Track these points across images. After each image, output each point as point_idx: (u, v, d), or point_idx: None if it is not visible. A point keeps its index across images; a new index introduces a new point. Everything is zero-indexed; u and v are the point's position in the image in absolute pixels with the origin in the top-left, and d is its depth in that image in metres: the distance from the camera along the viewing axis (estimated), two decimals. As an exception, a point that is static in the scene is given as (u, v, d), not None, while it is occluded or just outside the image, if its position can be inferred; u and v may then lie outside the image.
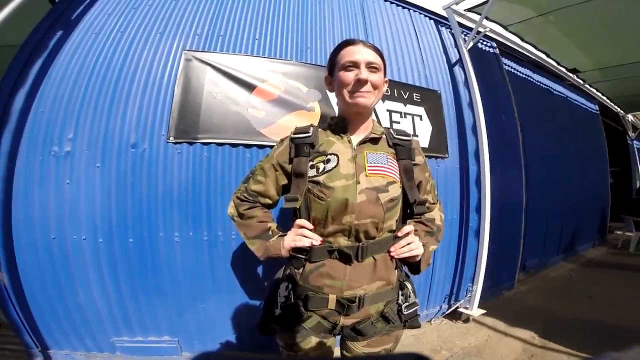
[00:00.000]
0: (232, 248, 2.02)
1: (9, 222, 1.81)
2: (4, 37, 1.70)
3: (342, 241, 0.96)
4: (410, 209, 1.03)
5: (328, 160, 0.97)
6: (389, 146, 1.05)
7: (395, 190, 0.98)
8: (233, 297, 2.06)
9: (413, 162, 1.05)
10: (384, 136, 1.06)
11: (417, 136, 2.53)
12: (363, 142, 1.01)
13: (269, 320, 1.02)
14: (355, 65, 0.94)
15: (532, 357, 2.22)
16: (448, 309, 2.82)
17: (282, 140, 1.09)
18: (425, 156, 2.41)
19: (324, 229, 0.96)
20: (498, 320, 2.72)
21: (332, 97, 2.24)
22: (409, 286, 1.05)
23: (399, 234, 0.99)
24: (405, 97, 2.60)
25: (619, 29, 3.14)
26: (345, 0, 2.79)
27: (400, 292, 1.03)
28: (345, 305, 0.95)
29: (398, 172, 1.01)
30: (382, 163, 0.99)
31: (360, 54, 0.94)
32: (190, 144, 1.96)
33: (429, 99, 2.74)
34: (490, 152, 2.79)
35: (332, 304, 0.96)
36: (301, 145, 1.00)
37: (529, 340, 2.42)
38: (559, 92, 4.87)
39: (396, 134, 1.07)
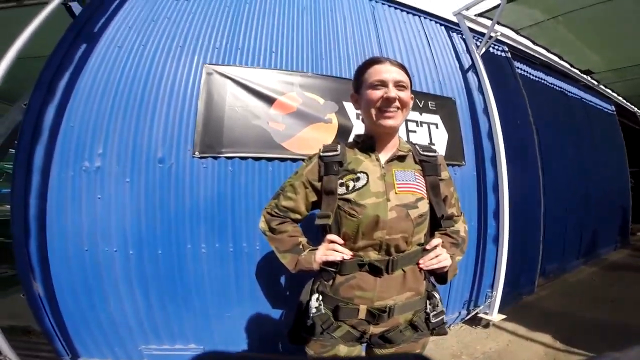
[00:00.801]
0: (256, 259, 2.10)
1: (43, 234, 1.92)
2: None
3: (373, 255, 1.00)
4: (437, 223, 1.07)
5: (358, 179, 1.01)
6: (416, 163, 1.09)
7: (424, 206, 1.02)
8: (257, 306, 2.13)
9: (439, 177, 1.10)
10: (410, 153, 1.11)
11: (433, 144, 2.60)
12: (391, 160, 1.06)
13: (299, 329, 1.08)
14: (383, 84, 0.98)
15: None
16: (467, 315, 2.85)
17: (310, 158, 1.13)
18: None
19: (354, 244, 1.01)
20: (518, 325, 2.74)
21: (349, 108, 2.33)
22: (437, 296, 1.10)
23: (428, 247, 1.02)
24: (421, 105, 2.67)
25: (629, 30, 3.15)
26: (357, 9, 2.88)
27: (428, 301, 1.07)
28: (376, 315, 0.99)
29: (425, 188, 1.06)
30: (410, 180, 1.04)
31: (388, 72, 0.98)
32: (215, 158, 2.06)
33: (444, 106, 2.80)
34: (506, 157, 2.83)
35: (362, 314, 1.00)
36: (330, 164, 1.04)
37: (551, 344, 2.44)
38: (574, 93, 4.89)
39: (422, 151, 1.12)
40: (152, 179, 2.00)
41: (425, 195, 1.04)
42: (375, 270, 0.99)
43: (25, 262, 1.91)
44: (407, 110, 1.03)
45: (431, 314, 1.05)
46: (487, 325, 2.76)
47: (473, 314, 2.84)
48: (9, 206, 1.95)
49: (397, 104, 0.98)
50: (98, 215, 1.96)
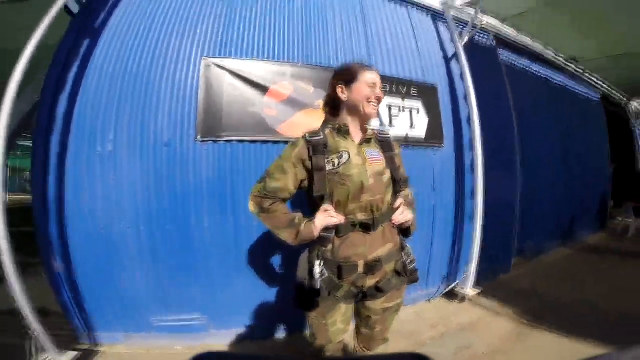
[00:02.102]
0: (253, 231, 2.46)
1: (62, 215, 2.25)
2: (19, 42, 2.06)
3: (360, 216, 1.33)
4: (398, 187, 1.44)
5: (341, 156, 1.32)
6: (376, 143, 1.47)
7: (388, 173, 1.39)
8: (254, 276, 2.50)
9: (393, 152, 1.47)
10: (374, 136, 1.47)
11: (414, 127, 3.02)
12: (361, 142, 1.40)
13: (308, 294, 1.33)
14: (375, 86, 1.36)
15: (520, 335, 2.60)
16: (446, 289, 3.27)
17: (294, 143, 1.39)
18: (422, 146, 3.01)
19: (345, 209, 1.32)
20: (492, 300, 3.16)
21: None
22: (408, 245, 1.48)
23: (395, 206, 1.38)
24: (404, 92, 3.03)
25: (625, 16, 3.47)
26: (346, 1, 3.17)
27: (402, 251, 1.43)
28: (371, 266, 1.32)
29: (385, 160, 1.42)
30: (376, 155, 1.40)
31: (377, 78, 1.38)
32: (215, 141, 2.40)
33: (425, 93, 3.17)
34: (485, 141, 3.21)
35: (361, 268, 1.32)
36: (317, 146, 1.33)
37: (518, 319, 2.81)
38: (559, 81, 5.29)
39: (380, 134, 1.50)
40: (159, 161, 2.34)
41: (386, 166, 1.43)
42: (365, 227, 1.32)
43: (47, 243, 2.24)
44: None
45: (407, 262, 1.42)
46: (463, 299, 3.17)
47: (450, 288, 3.26)
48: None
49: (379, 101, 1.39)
50: (112, 195, 2.29)
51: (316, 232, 1.31)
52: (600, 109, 6.27)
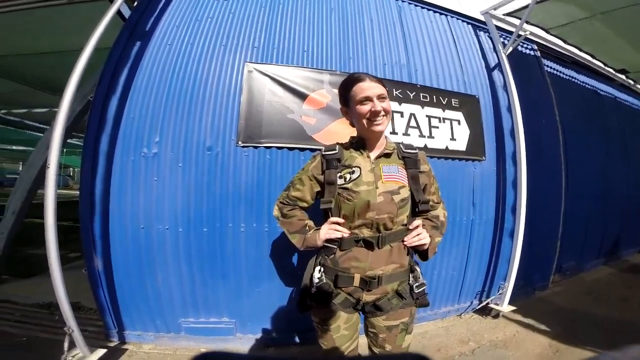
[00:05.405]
0: (287, 239, 2.41)
1: (106, 213, 2.30)
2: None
3: (366, 232, 1.30)
4: (417, 207, 1.35)
5: (353, 172, 1.31)
6: (399, 158, 1.39)
7: (405, 193, 1.31)
8: (284, 283, 2.47)
9: (419, 170, 1.39)
10: (395, 151, 1.40)
11: (455, 139, 2.88)
12: (379, 156, 1.35)
13: (305, 298, 1.39)
14: (368, 99, 1.25)
15: (557, 352, 2.45)
16: (479, 305, 3.12)
17: (314, 156, 1.43)
18: (462, 159, 2.87)
19: (352, 223, 1.30)
20: (527, 317, 2.98)
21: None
22: (418, 269, 1.39)
23: (410, 227, 1.32)
24: (444, 102, 2.91)
25: None
26: (384, 9, 3.12)
27: (411, 274, 1.37)
28: (367, 282, 1.28)
29: (406, 178, 1.36)
30: (394, 172, 1.33)
31: (370, 89, 1.25)
32: (255, 147, 2.40)
33: (466, 103, 3.04)
34: (528, 155, 3.03)
35: (356, 282, 1.29)
36: (331, 160, 1.34)
37: (556, 337, 2.64)
38: (607, 92, 4.95)
39: (405, 148, 1.41)
40: (201, 164, 2.35)
41: (407, 184, 1.35)
42: (368, 244, 1.29)
43: (89, 239, 2.29)
44: (390, 115, 1.33)
45: (414, 285, 1.34)
46: (497, 315, 3.01)
47: (484, 304, 3.09)
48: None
49: (382, 113, 1.26)
50: (154, 196, 2.33)
51: (319, 242, 1.32)
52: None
